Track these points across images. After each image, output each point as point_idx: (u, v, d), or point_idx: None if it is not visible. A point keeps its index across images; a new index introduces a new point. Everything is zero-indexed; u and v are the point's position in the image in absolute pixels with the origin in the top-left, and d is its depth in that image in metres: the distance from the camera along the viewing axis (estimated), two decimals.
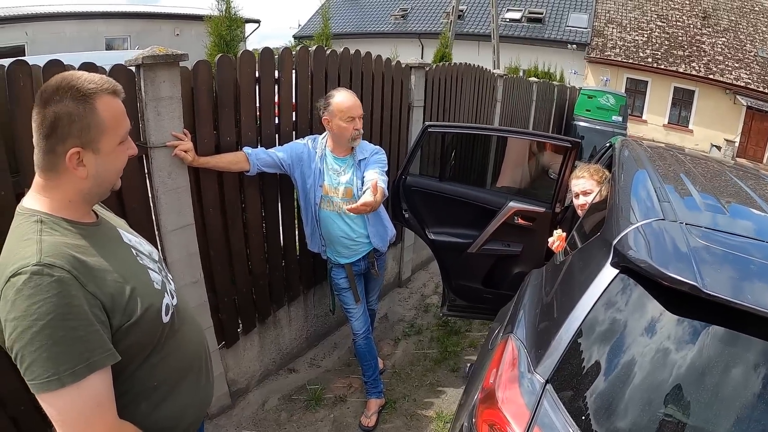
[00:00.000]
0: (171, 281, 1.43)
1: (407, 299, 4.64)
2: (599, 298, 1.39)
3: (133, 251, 1.31)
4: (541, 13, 22.19)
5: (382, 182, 2.58)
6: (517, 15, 22.46)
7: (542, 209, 3.16)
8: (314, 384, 3.34)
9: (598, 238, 1.68)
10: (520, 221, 3.19)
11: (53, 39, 14.53)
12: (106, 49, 15.29)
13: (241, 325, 3.08)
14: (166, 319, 1.27)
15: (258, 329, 3.20)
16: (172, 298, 1.36)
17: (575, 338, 1.38)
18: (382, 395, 3.13)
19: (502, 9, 21.61)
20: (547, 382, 1.35)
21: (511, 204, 3.18)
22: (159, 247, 2.47)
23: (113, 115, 1.16)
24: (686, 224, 1.48)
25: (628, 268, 1.37)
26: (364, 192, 2.58)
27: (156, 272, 1.33)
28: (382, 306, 4.35)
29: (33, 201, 1.16)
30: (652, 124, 20.29)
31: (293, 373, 3.47)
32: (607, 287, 1.40)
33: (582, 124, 12.86)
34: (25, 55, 12.48)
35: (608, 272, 1.42)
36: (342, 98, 2.64)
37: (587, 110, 13.12)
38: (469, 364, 2.13)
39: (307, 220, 2.93)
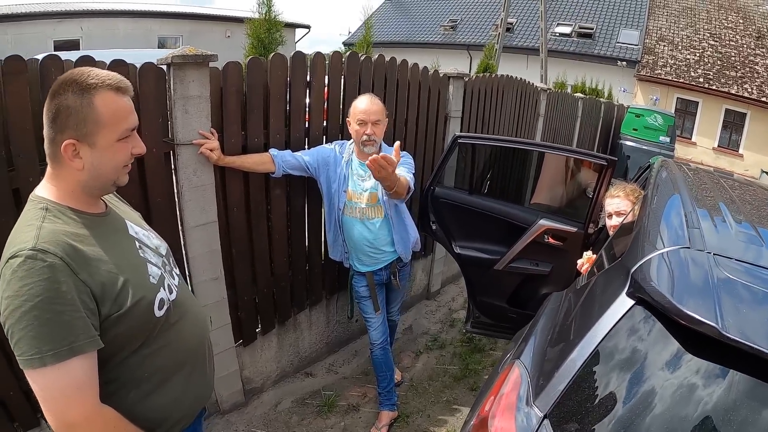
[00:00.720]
0: (175, 276, 1.45)
1: (434, 312, 4.57)
2: (611, 329, 1.28)
3: (137, 243, 1.34)
4: (592, 29, 21.78)
5: (407, 173, 2.56)
6: (567, 30, 22.10)
7: (574, 229, 3.05)
8: (329, 390, 3.32)
9: (619, 263, 1.58)
10: (551, 240, 3.09)
11: (107, 35, 15.14)
12: (159, 47, 15.79)
13: (260, 325, 3.09)
14: (159, 313, 1.28)
15: (277, 330, 3.21)
16: (170, 293, 1.36)
17: (581, 371, 1.27)
18: (396, 408, 3.08)
19: (551, 23, 21.32)
20: (545, 417, 1.26)
21: (542, 222, 3.09)
22: (181, 242, 2.52)
23: (112, 111, 1.17)
24: (714, 254, 1.34)
25: (644, 299, 1.26)
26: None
27: (157, 266, 1.34)
28: (407, 317, 4.30)
29: (43, 189, 1.21)
30: (702, 147, 19.57)
31: (310, 377, 3.45)
32: (620, 319, 1.29)
33: (628, 143, 12.54)
34: (79, 49, 13.06)
35: (623, 302, 1.31)
36: (359, 101, 2.65)
37: (634, 129, 12.79)
38: None
39: (330, 225, 2.92)
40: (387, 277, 2.95)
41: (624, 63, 20.12)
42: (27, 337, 1.04)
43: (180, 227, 2.51)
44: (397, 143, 2.34)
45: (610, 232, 2.60)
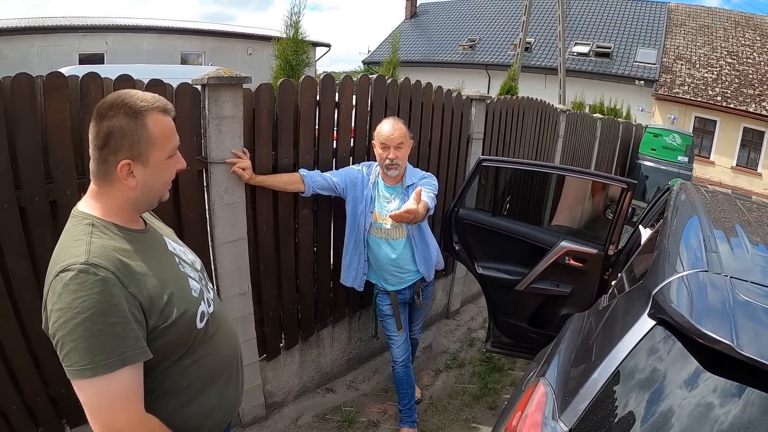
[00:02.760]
0: (210, 290, 1.50)
1: (453, 331, 4.59)
2: (633, 348, 1.34)
3: (176, 259, 1.40)
4: (609, 48, 21.78)
5: (426, 196, 2.61)
6: (584, 49, 22.12)
7: (594, 251, 3.07)
8: (350, 406, 3.34)
9: (641, 285, 1.64)
10: (571, 262, 3.11)
11: (131, 50, 15.48)
12: (181, 63, 16.08)
13: (283, 341, 3.13)
14: (200, 325, 1.34)
15: (300, 346, 3.25)
16: (209, 306, 1.42)
17: (605, 388, 1.33)
18: (416, 425, 3.10)
19: (569, 42, 21.35)
20: (570, 431, 1.31)
21: (563, 243, 3.12)
22: (211, 258, 2.58)
23: (162, 131, 1.25)
24: (731, 277, 1.41)
25: (665, 320, 1.32)
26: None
27: (195, 281, 1.40)
28: (427, 336, 4.32)
29: (87, 206, 1.26)
30: (720, 166, 19.34)
31: (330, 393, 3.49)
32: (642, 338, 1.35)
33: (647, 163, 12.44)
34: (103, 63, 13.36)
35: (645, 323, 1.37)
36: (382, 125, 2.72)
37: (652, 149, 12.69)
38: (506, 403, 2.09)
39: (349, 247, 2.94)
40: (410, 296, 3.00)
41: (642, 82, 20.08)
42: (79, 348, 1.08)
43: (210, 243, 2.58)
44: (418, 189, 2.52)
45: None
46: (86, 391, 1.12)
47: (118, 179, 1.22)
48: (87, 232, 1.19)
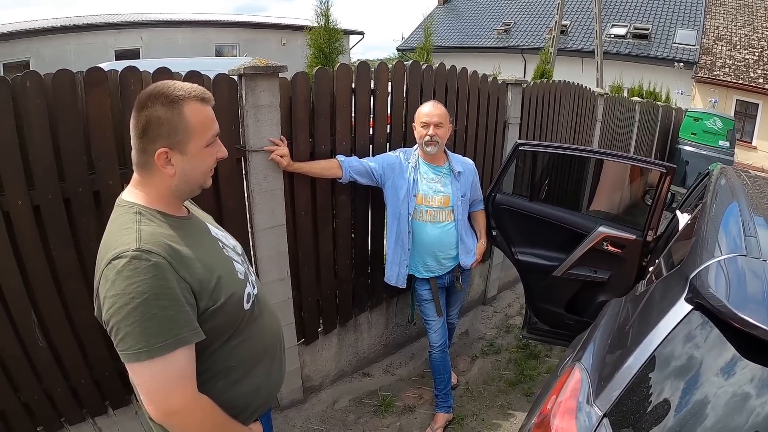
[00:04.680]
0: (252, 273, 1.53)
1: (490, 318, 4.58)
2: (670, 333, 1.33)
3: (219, 243, 1.43)
4: (647, 29, 21.08)
5: (479, 203, 3.11)
6: (622, 31, 21.48)
7: (633, 237, 3.01)
8: (386, 391, 3.38)
9: (679, 269, 1.62)
10: (610, 248, 3.06)
11: (166, 44, 15.71)
12: (216, 56, 16.28)
13: (321, 325, 3.19)
14: (247, 306, 1.38)
15: (338, 331, 3.30)
16: (253, 288, 1.46)
17: (640, 372, 1.32)
18: (451, 410, 3.12)
19: (606, 24, 20.78)
20: (604, 415, 1.31)
21: (601, 229, 3.06)
22: (251, 244, 2.64)
23: (200, 120, 1.27)
24: None
25: (702, 304, 1.30)
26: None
27: (239, 263, 1.44)
28: (464, 322, 4.33)
29: (131, 195, 1.30)
30: (763, 151, 18.49)
31: (367, 377, 3.53)
32: (679, 323, 1.34)
33: (687, 148, 12.05)
34: (139, 58, 13.63)
35: (682, 307, 1.37)
36: (423, 105, 2.79)
37: (693, 134, 12.29)
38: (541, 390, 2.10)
39: (390, 240, 2.94)
40: (450, 281, 3.01)
41: (681, 64, 19.39)
42: (134, 332, 1.11)
43: (249, 230, 2.63)
44: (481, 248, 3.05)
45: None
46: (142, 373, 1.15)
47: (157, 168, 1.25)
48: (135, 220, 1.21)
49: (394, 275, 2.97)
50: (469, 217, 3.07)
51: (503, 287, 5.09)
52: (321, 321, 3.18)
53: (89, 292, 2.09)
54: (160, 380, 1.16)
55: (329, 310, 3.17)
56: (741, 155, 16.78)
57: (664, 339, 1.33)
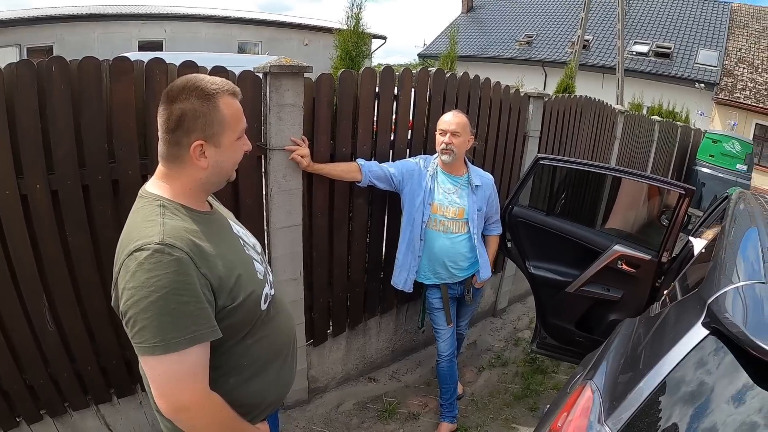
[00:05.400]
0: (270, 273, 1.54)
1: (499, 330, 4.56)
2: (685, 357, 1.32)
3: (241, 241, 1.43)
4: (670, 48, 20.94)
5: (495, 224, 3.11)
6: (644, 48, 21.36)
7: (648, 257, 2.99)
8: (391, 397, 3.38)
9: (696, 294, 1.60)
10: (624, 266, 3.04)
11: (189, 38, 15.86)
12: (238, 52, 16.39)
13: (331, 327, 3.19)
14: (264, 306, 1.38)
15: (347, 334, 3.30)
16: (271, 288, 1.46)
17: (653, 395, 1.31)
18: (455, 421, 3.10)
19: (629, 41, 20.66)
20: None
21: (616, 247, 3.05)
22: (265, 242, 2.65)
23: (233, 113, 1.28)
24: None
25: (719, 330, 1.29)
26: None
27: (259, 263, 1.44)
28: (472, 333, 4.31)
29: (155, 187, 1.30)
30: None
31: (373, 382, 3.53)
32: (694, 347, 1.32)
33: (704, 170, 11.95)
34: (162, 50, 13.75)
35: (698, 332, 1.35)
36: (445, 114, 2.80)
37: (711, 156, 12.18)
38: (548, 406, 2.08)
39: (402, 244, 2.94)
40: (461, 292, 3.00)
41: (702, 85, 19.23)
42: (152, 326, 1.11)
43: (266, 227, 2.64)
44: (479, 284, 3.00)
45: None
46: (155, 367, 1.16)
47: (190, 160, 1.25)
48: (159, 213, 1.22)
49: (402, 280, 2.97)
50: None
51: (514, 300, 5.07)
52: (331, 323, 3.18)
53: (101, 280, 2.12)
54: (173, 375, 1.16)
55: (340, 312, 3.17)
56: (758, 179, 16.58)
57: (678, 362, 1.32)
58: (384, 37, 19.44)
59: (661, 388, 1.31)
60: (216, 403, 1.25)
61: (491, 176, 3.01)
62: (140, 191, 1.32)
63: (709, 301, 1.39)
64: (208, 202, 1.42)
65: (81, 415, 2.31)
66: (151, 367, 1.17)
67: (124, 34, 14.75)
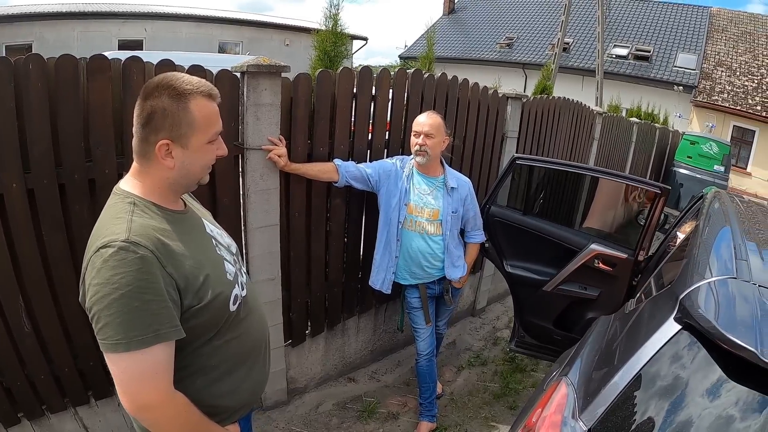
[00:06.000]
0: (244, 274, 1.52)
1: (478, 329, 4.58)
2: (658, 351, 1.34)
3: (213, 241, 1.41)
4: (649, 51, 21.24)
5: (477, 232, 3.09)
6: (623, 51, 21.64)
7: (624, 255, 3.04)
8: (370, 396, 3.38)
9: (669, 289, 1.63)
10: (601, 265, 3.08)
11: (170, 37, 15.73)
12: (219, 52, 16.29)
13: (309, 328, 3.18)
14: (233, 308, 1.36)
15: (325, 334, 3.29)
16: (242, 289, 1.44)
17: (627, 389, 1.33)
18: (435, 420, 3.11)
19: (608, 44, 20.94)
20: (589, 431, 1.31)
21: (593, 246, 3.08)
22: (243, 242, 2.63)
23: (205, 116, 1.26)
24: (759, 286, 1.40)
25: (691, 324, 1.31)
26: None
27: (231, 264, 1.42)
28: (451, 332, 4.32)
29: (128, 184, 1.29)
30: (757, 178, 18.60)
31: (352, 382, 3.52)
32: (667, 342, 1.35)
33: (682, 171, 12.16)
34: (142, 49, 13.61)
35: (671, 327, 1.37)
36: (420, 114, 2.81)
37: (688, 157, 12.40)
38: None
39: (382, 242, 2.94)
40: (440, 291, 3.01)
41: (680, 88, 19.54)
42: (114, 323, 1.10)
43: (243, 228, 2.62)
44: (463, 280, 3.02)
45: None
46: (118, 364, 1.14)
47: (156, 158, 1.24)
48: (128, 210, 1.21)
49: (380, 280, 2.97)
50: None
51: (493, 299, 5.10)
52: (309, 323, 3.16)
53: (78, 280, 2.08)
54: (135, 373, 1.15)
55: (318, 312, 3.16)
56: (735, 180, 16.89)
57: (651, 357, 1.34)
58: (365, 38, 19.46)
59: (635, 382, 1.33)
60: (180, 402, 1.24)
61: (468, 180, 3.00)
62: (114, 188, 1.30)
63: (681, 296, 1.42)
64: (184, 201, 1.40)
65: (59, 417, 2.27)
66: (114, 364, 1.15)
67: (104, 33, 14.59)
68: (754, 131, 18.73)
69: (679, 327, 1.35)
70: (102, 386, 2.33)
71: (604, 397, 1.36)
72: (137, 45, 15.15)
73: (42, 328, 2.09)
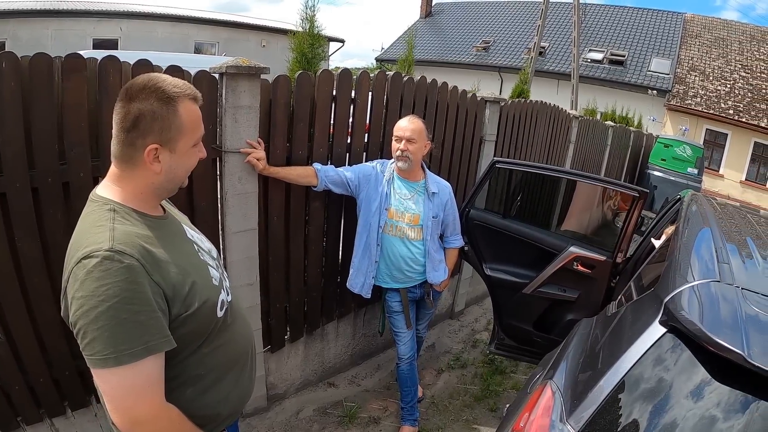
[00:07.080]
0: (227, 279, 1.49)
1: (457, 332, 4.59)
2: (644, 354, 1.36)
3: (195, 247, 1.38)
4: (623, 56, 21.64)
5: (456, 238, 3.10)
6: (598, 56, 21.99)
7: (603, 257, 3.07)
8: (351, 401, 3.35)
9: (652, 293, 1.65)
10: (579, 267, 3.11)
11: (145, 37, 15.49)
12: (195, 53, 16.11)
13: (288, 333, 3.14)
14: (220, 314, 1.34)
15: (305, 339, 3.26)
16: (228, 294, 1.42)
17: (614, 392, 1.34)
18: (417, 423, 3.10)
19: (584, 49, 21.24)
20: None
21: (572, 249, 3.11)
22: (221, 247, 2.58)
23: (192, 119, 1.24)
24: (742, 289, 1.43)
25: (676, 327, 1.33)
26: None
27: (215, 269, 1.39)
28: (431, 335, 4.32)
29: (106, 190, 1.24)
30: (729, 180, 19.17)
31: (332, 387, 3.50)
32: (653, 345, 1.36)
33: (656, 173, 12.41)
34: (117, 49, 13.41)
35: (656, 330, 1.39)
36: (401, 119, 2.79)
37: (662, 159, 12.66)
38: (507, 405, 2.10)
39: (358, 249, 2.93)
40: (421, 295, 3.00)
41: (654, 92, 19.94)
42: (102, 337, 1.06)
43: (221, 232, 2.58)
44: (444, 284, 3.03)
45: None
46: (108, 380, 1.10)
47: (143, 163, 1.20)
48: (109, 217, 1.16)
49: (359, 284, 2.95)
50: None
51: (471, 302, 5.11)
52: (288, 328, 3.13)
53: (53, 287, 2.02)
54: (127, 388, 1.11)
55: (297, 317, 3.13)
56: (708, 182, 17.30)
57: (637, 360, 1.35)
58: (342, 41, 19.41)
59: (621, 385, 1.34)
60: (173, 415, 1.20)
61: (448, 184, 3.01)
62: (90, 195, 1.25)
63: (666, 299, 1.44)
64: (162, 207, 1.37)
65: (34, 429, 2.19)
66: (104, 380, 1.11)
67: (78, 32, 14.32)
68: (727, 134, 19.23)
69: (665, 330, 1.37)
70: (78, 396, 2.26)
71: (591, 400, 1.37)
72: (112, 44, 14.90)
73: (16, 338, 2.02)
